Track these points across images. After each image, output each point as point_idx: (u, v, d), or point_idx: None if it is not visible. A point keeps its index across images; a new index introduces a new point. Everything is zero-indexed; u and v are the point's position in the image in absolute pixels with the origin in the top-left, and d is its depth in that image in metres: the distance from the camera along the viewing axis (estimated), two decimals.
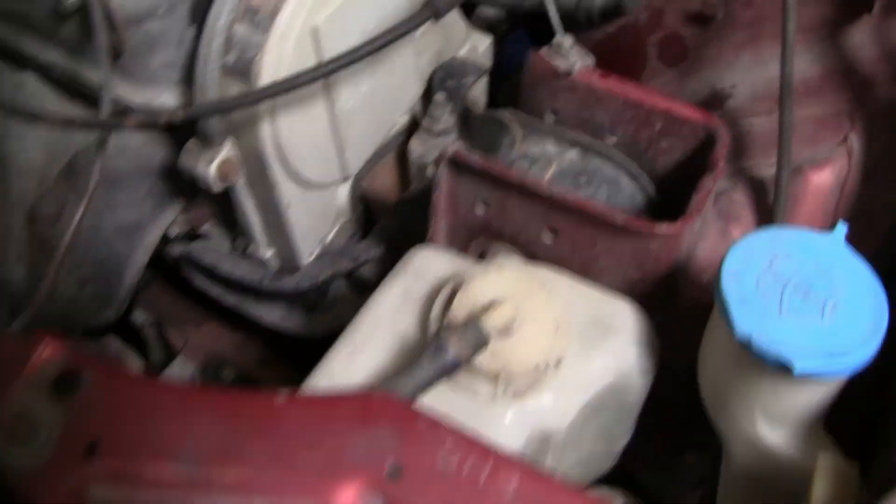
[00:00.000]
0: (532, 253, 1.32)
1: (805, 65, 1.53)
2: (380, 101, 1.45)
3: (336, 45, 1.30)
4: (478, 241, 1.35)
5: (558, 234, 1.27)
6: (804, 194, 1.44)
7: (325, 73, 1.23)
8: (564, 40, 1.38)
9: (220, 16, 1.28)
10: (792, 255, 1.10)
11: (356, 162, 1.48)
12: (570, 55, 1.38)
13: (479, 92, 1.65)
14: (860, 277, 1.08)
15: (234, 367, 1.82)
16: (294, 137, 1.31)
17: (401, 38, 1.24)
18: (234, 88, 1.30)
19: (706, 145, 1.37)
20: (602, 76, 1.41)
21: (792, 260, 1.09)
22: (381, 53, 1.32)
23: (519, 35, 1.91)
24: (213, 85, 1.30)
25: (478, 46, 1.65)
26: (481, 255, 1.36)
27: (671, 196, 1.41)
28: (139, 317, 1.83)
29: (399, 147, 1.60)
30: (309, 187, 1.41)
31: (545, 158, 1.41)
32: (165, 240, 1.51)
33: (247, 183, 1.38)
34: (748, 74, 1.60)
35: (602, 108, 1.42)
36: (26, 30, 1.40)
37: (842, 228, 1.12)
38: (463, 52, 1.61)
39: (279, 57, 1.27)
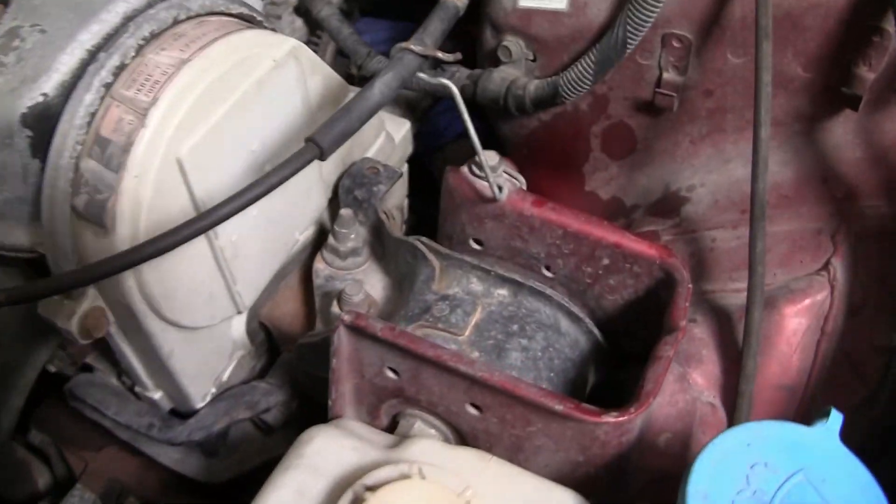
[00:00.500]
0: (454, 424, 1.09)
1: (777, 166, 1.32)
2: (275, 222, 1.24)
3: (208, 177, 1.09)
4: (390, 403, 1.12)
5: (484, 411, 1.04)
6: (778, 332, 1.24)
7: (196, 232, 0.98)
8: (489, 158, 1.15)
9: (64, 150, 1.05)
10: (774, 463, 0.88)
11: (250, 294, 1.26)
12: (495, 176, 1.15)
13: (397, 197, 1.41)
14: (860, 487, 0.86)
15: (137, 496, 1.60)
16: (166, 284, 1.13)
17: (284, 181, 1.00)
18: (89, 235, 1.08)
19: (663, 285, 1.15)
20: (536, 203, 1.19)
21: (774, 470, 0.88)
22: (275, 162, 1.10)
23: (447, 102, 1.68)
24: (63, 229, 1.09)
25: (394, 134, 1.44)
26: (394, 422, 1.13)
27: (622, 334, 1.19)
28: (35, 437, 1.62)
29: (304, 263, 1.36)
30: (193, 331, 1.16)
31: (470, 299, 1.19)
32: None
33: (120, 330, 1.17)
34: (709, 175, 1.40)
35: (537, 239, 1.20)
36: None
37: (836, 419, 0.91)
38: (377, 146, 1.38)
39: (137, 199, 1.04)
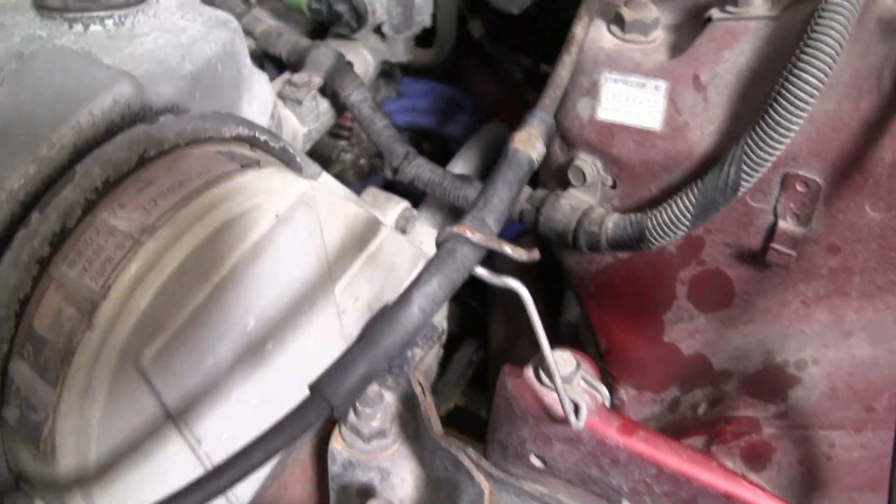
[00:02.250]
0: None
1: None
2: (282, 397, 0.93)
3: (183, 380, 0.81)
4: None
5: None
6: None
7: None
8: (562, 363, 0.85)
9: None
10: None
11: (249, 488, 0.98)
12: (571, 389, 0.85)
13: (433, 354, 1.12)
14: None
15: None
16: None
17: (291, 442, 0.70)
18: (26, 454, 0.81)
19: None
20: (623, 429, 0.89)
21: None
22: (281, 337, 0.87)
23: None
24: None
25: None
26: None
27: None
28: None
29: (320, 432, 1.08)
30: None
31: None
32: None
33: None
34: (825, 349, 1.11)
35: (621, 473, 0.91)
36: None
37: None
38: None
39: (82, 423, 0.76)
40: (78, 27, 0.98)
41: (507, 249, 0.79)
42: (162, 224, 0.77)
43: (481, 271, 0.78)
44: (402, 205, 1.28)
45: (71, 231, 0.78)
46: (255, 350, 0.89)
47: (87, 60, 0.90)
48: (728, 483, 0.87)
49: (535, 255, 0.81)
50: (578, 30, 1.08)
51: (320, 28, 1.54)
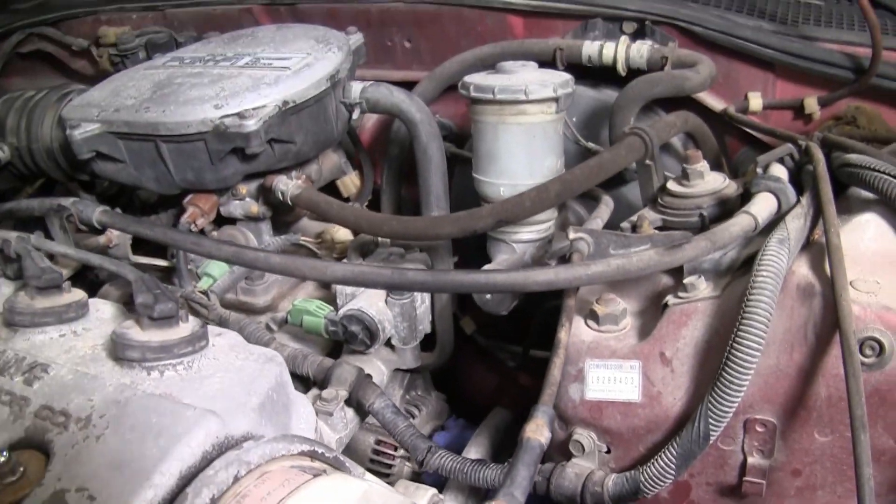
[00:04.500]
0: None
1: None
2: None
3: None
4: None
5: None
6: None
7: None
8: None
9: None
10: None
11: None
12: None
13: None
14: None
15: None
16: None
17: None
18: None
19: None
20: None
21: None
22: None
23: None
24: None
25: None
26: None
27: None
28: None
29: None
30: None
31: None
32: None
33: None
34: None
35: None
36: None
37: None
38: None
39: None
40: (155, 374, 1.18)
41: None
42: None
43: None
44: (430, 491, 1.46)
45: None
46: None
47: (176, 403, 1.11)
48: None
49: None
50: (563, 335, 1.32)
51: (336, 345, 1.75)
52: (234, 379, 1.20)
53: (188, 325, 1.23)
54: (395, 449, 1.74)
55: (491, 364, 2.10)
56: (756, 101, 1.79)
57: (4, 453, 1.05)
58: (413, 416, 1.90)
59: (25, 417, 1.14)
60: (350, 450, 1.77)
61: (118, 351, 1.19)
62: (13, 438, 1.12)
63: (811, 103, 1.75)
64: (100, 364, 1.23)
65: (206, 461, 1.04)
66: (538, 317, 1.81)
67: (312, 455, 1.14)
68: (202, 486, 0.99)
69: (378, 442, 1.80)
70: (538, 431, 1.16)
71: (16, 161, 2.03)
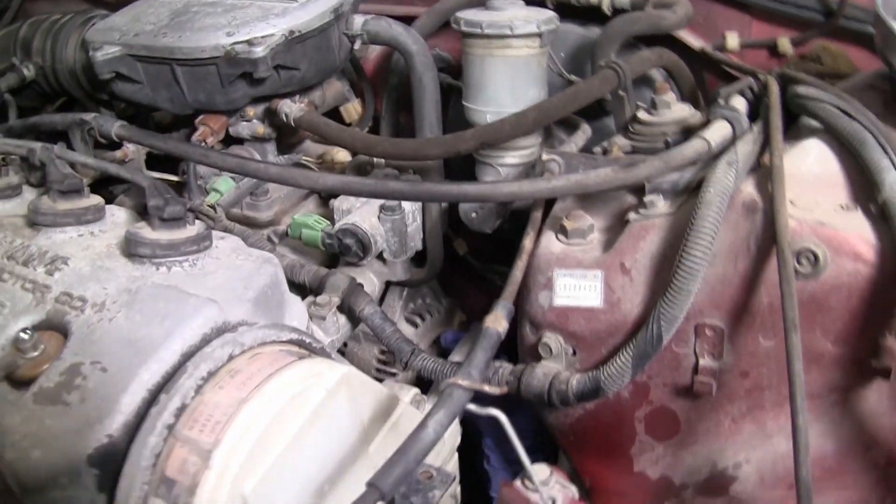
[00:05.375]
0: None
1: (819, 439, 1.35)
2: None
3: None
4: None
5: None
6: None
7: None
8: (539, 472, 1.18)
9: (132, 490, 1.09)
10: None
11: None
12: (548, 488, 1.18)
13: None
14: None
15: None
16: None
17: None
18: None
19: None
20: None
21: None
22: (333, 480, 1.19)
23: None
24: None
25: None
26: None
27: None
28: None
29: None
30: None
31: None
32: None
33: None
34: (753, 451, 1.42)
35: None
36: None
37: None
38: None
39: None
40: (163, 269, 1.32)
41: (486, 388, 1.14)
42: (251, 397, 1.11)
43: (471, 406, 1.13)
44: (413, 391, 1.60)
45: (187, 406, 1.11)
46: (316, 494, 1.20)
47: (181, 292, 1.25)
48: None
49: (505, 389, 1.16)
50: (527, 242, 1.45)
51: (332, 258, 1.89)
52: (233, 275, 1.33)
53: (194, 228, 1.36)
54: None
55: (481, 285, 2.23)
56: (733, 40, 1.90)
57: (28, 331, 1.19)
58: (416, 325, 2.05)
59: (47, 302, 1.28)
60: (355, 361, 1.92)
61: (130, 248, 1.33)
62: (35, 321, 1.26)
63: (784, 43, 1.87)
64: (114, 260, 1.36)
65: (205, 342, 1.18)
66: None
67: (300, 344, 1.28)
68: (200, 360, 1.14)
69: (382, 352, 1.95)
70: (496, 322, 1.29)
71: (40, 80, 2.18)
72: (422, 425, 1.10)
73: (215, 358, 1.15)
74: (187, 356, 1.16)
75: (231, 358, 1.16)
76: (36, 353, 1.19)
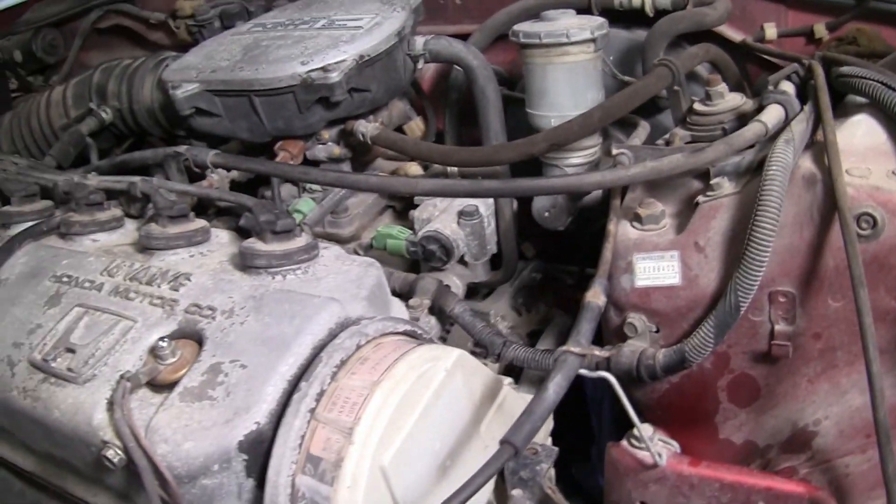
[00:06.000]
0: None
1: (889, 390, 1.43)
2: None
3: (406, 480, 1.22)
4: None
5: None
6: None
7: None
8: (645, 430, 1.30)
9: (281, 469, 1.20)
10: None
11: None
12: (653, 444, 1.29)
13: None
14: None
15: None
16: None
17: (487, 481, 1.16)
18: None
19: None
20: (692, 463, 1.31)
21: None
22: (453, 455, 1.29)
23: None
24: None
25: None
26: None
27: None
28: None
29: None
30: None
31: None
32: None
33: None
34: (830, 408, 1.52)
35: (697, 495, 1.32)
36: (70, 473, 1.40)
37: None
38: None
39: None
40: (279, 278, 1.43)
41: (596, 351, 1.27)
42: (383, 379, 1.23)
43: (583, 371, 1.26)
44: (507, 379, 1.71)
45: (325, 391, 1.23)
46: (440, 467, 1.29)
47: (303, 294, 1.37)
48: (766, 480, 1.29)
49: (613, 351, 1.28)
50: (611, 226, 1.57)
51: (413, 267, 1.99)
52: (344, 278, 1.44)
53: (302, 239, 1.48)
54: None
55: (551, 284, 2.35)
56: (771, 31, 2.03)
57: (166, 340, 1.31)
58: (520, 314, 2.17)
59: (177, 314, 1.40)
60: None
61: (246, 260, 1.44)
62: (168, 331, 1.38)
63: (820, 29, 1.99)
64: (231, 273, 1.48)
65: (332, 336, 1.30)
66: (587, 238, 2.04)
67: (412, 334, 1.40)
68: (333, 351, 1.26)
69: (475, 344, 2.05)
70: (596, 296, 1.41)
71: (117, 121, 2.32)
72: (543, 388, 1.22)
73: (345, 348, 1.27)
74: (318, 349, 1.28)
75: (358, 347, 1.28)
76: (174, 359, 1.31)
